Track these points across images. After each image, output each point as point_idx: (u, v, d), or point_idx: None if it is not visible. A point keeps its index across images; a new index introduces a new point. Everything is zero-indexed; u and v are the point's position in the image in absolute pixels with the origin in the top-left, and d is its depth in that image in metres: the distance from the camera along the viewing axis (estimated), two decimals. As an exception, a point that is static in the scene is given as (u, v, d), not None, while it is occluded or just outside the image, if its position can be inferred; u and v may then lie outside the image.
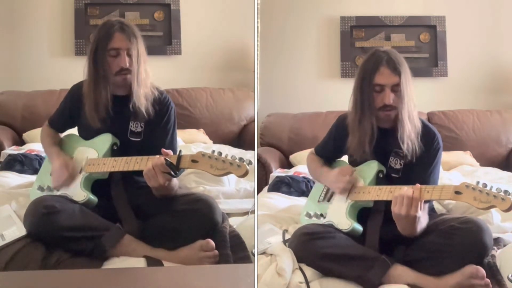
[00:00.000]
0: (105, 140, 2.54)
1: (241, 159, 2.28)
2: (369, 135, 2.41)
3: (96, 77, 2.53)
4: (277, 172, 3.29)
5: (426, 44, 4.00)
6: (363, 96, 2.41)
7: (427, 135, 2.44)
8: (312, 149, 2.74)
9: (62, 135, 2.73)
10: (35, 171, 2.95)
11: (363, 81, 2.42)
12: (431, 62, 3.99)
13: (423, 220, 2.28)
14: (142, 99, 2.54)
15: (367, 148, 2.42)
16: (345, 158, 2.63)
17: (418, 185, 2.24)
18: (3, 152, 3.21)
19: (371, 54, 2.46)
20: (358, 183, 2.46)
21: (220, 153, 2.31)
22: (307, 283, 2.26)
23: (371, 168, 2.45)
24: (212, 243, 2.39)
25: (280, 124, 3.80)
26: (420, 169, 2.40)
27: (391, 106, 2.39)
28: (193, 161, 2.34)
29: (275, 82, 3.93)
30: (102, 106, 2.52)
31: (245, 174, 2.28)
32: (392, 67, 2.39)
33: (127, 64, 2.51)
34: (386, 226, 2.34)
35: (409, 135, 2.39)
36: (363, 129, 2.41)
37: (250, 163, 2.28)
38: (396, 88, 2.39)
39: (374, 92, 2.40)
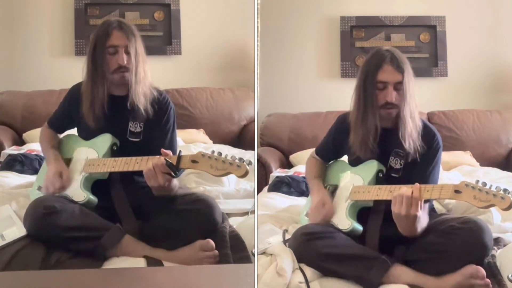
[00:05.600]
0: (104, 141, 2.54)
1: (241, 159, 2.28)
2: (373, 133, 2.41)
3: (94, 75, 2.54)
4: (277, 172, 3.29)
5: (426, 44, 4.00)
6: (366, 93, 2.41)
7: (427, 135, 2.44)
8: (313, 151, 2.74)
9: (62, 135, 2.73)
10: (35, 171, 2.95)
11: (366, 78, 2.42)
12: (431, 62, 4.00)
13: (423, 220, 2.28)
14: (141, 97, 2.54)
15: (371, 146, 2.42)
16: (345, 158, 2.62)
17: (417, 184, 2.24)
18: (3, 152, 3.21)
19: (374, 52, 2.46)
20: (357, 181, 2.45)
21: (220, 153, 2.31)
22: (307, 283, 2.25)
23: (371, 167, 2.45)
24: (212, 243, 2.39)
25: (280, 124, 3.80)
26: (420, 169, 2.40)
27: (392, 104, 2.39)
28: (193, 161, 2.34)
29: (275, 82, 3.93)
30: (98, 104, 2.52)
31: (245, 175, 2.28)
32: (395, 65, 2.39)
33: (125, 62, 2.52)
34: (386, 226, 2.34)
35: (411, 133, 2.38)
36: (366, 127, 2.41)
37: (250, 163, 2.28)
38: (398, 86, 2.39)
39: (376, 89, 2.40)
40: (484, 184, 2.14)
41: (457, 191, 2.18)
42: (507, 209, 2.09)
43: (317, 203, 2.49)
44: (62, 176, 2.52)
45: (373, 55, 2.44)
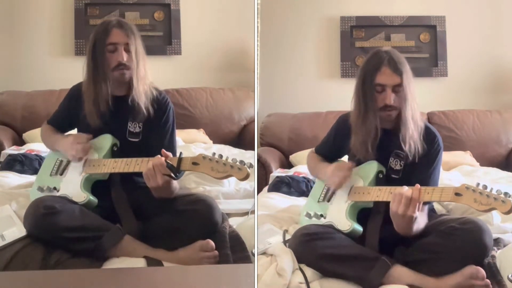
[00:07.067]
0: (105, 141, 2.54)
1: (241, 162, 2.28)
2: (373, 135, 2.41)
3: (95, 74, 2.53)
4: (277, 172, 3.29)
5: (426, 44, 4.00)
6: (365, 96, 2.41)
7: (428, 136, 2.44)
8: (313, 149, 2.74)
9: (62, 136, 2.73)
10: (35, 171, 2.95)
11: (364, 81, 2.42)
12: (431, 62, 4.00)
13: (420, 221, 2.28)
14: (142, 96, 2.54)
15: (370, 148, 2.42)
16: (345, 158, 2.62)
17: (418, 185, 2.24)
18: (3, 152, 3.21)
19: (372, 54, 2.46)
20: (357, 182, 2.46)
21: (221, 156, 2.31)
22: (307, 283, 2.26)
23: (371, 168, 2.45)
24: (212, 243, 2.39)
25: (280, 124, 3.80)
26: (420, 170, 2.40)
27: (392, 106, 2.39)
28: (194, 163, 2.34)
29: (275, 82, 3.93)
30: (103, 102, 2.52)
31: (246, 177, 2.28)
32: (393, 67, 2.38)
33: (125, 59, 2.52)
34: (386, 226, 2.34)
35: (412, 135, 2.39)
36: (366, 129, 2.42)
37: (251, 166, 2.28)
38: (397, 89, 2.39)
39: (375, 92, 2.40)
40: (485, 187, 2.13)
41: (457, 194, 2.18)
42: (508, 213, 2.09)
43: (333, 168, 2.50)
44: (80, 138, 2.53)
45: (371, 57, 2.44)
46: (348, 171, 2.47)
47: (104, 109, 2.53)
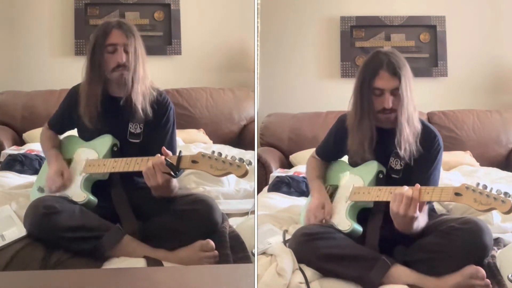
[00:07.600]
0: (105, 141, 2.54)
1: (241, 159, 2.29)
2: (369, 138, 2.41)
3: (92, 75, 2.54)
4: (277, 172, 3.30)
5: (426, 44, 4.00)
6: (363, 99, 2.41)
7: (427, 136, 2.44)
8: (313, 151, 2.74)
9: (62, 136, 2.73)
10: (35, 171, 2.95)
11: (362, 84, 2.42)
12: (431, 62, 4.00)
13: (421, 220, 2.28)
14: (139, 96, 2.54)
15: (367, 150, 2.42)
16: (345, 158, 2.62)
17: (417, 185, 2.24)
18: (3, 152, 3.21)
19: (371, 57, 2.45)
20: (357, 182, 2.45)
21: (220, 154, 2.32)
22: (307, 283, 2.25)
23: (371, 168, 2.45)
24: (212, 243, 2.39)
25: (280, 124, 3.80)
26: (420, 170, 2.40)
27: (391, 109, 2.39)
28: (193, 161, 2.34)
29: (275, 82, 3.93)
30: (93, 104, 2.52)
31: (245, 174, 2.28)
32: (392, 71, 2.38)
33: (124, 60, 2.52)
34: (386, 226, 2.34)
35: (407, 139, 2.38)
36: (363, 132, 2.41)
37: (250, 163, 2.29)
38: (395, 92, 2.39)
39: (373, 95, 2.40)
40: (485, 186, 2.13)
41: (457, 194, 2.18)
42: (508, 213, 2.08)
43: (316, 204, 2.49)
44: (63, 175, 2.53)
45: (370, 60, 2.44)
46: (328, 213, 2.45)
47: (95, 111, 2.53)
